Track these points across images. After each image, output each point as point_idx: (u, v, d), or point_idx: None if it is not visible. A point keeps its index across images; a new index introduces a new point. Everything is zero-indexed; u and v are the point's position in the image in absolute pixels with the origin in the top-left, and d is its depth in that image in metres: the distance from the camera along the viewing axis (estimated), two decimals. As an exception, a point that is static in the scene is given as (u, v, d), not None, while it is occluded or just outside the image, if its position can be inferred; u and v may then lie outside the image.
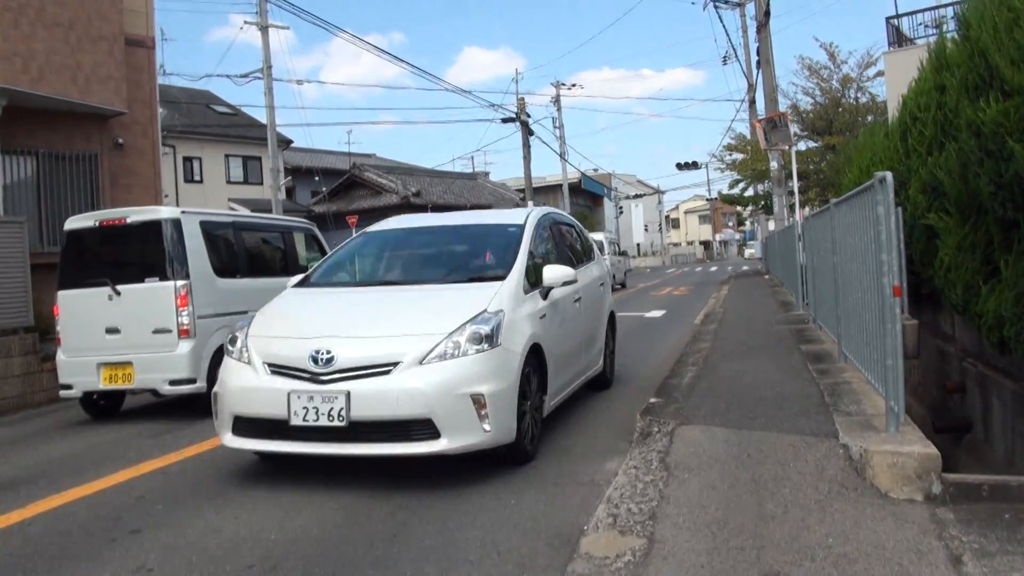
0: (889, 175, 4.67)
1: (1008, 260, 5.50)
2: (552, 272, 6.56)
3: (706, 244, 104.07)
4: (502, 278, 6.11)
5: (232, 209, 35.57)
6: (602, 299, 8.79)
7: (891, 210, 4.67)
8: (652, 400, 6.83)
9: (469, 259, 7.00)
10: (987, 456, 7.04)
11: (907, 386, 5.65)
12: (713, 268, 57.24)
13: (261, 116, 36.57)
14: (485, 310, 5.58)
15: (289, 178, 35.43)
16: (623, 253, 35.66)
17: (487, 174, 57.25)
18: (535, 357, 5.99)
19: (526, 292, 6.21)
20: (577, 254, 8.42)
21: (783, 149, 21.44)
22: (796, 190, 20.87)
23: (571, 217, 9.59)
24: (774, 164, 24.53)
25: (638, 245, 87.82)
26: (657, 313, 18.82)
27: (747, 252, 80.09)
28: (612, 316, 9.20)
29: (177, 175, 34.55)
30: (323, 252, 10.65)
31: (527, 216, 7.27)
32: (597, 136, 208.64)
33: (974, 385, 7.46)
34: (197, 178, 35.53)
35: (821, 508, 4.15)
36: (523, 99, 34.83)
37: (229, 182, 36.40)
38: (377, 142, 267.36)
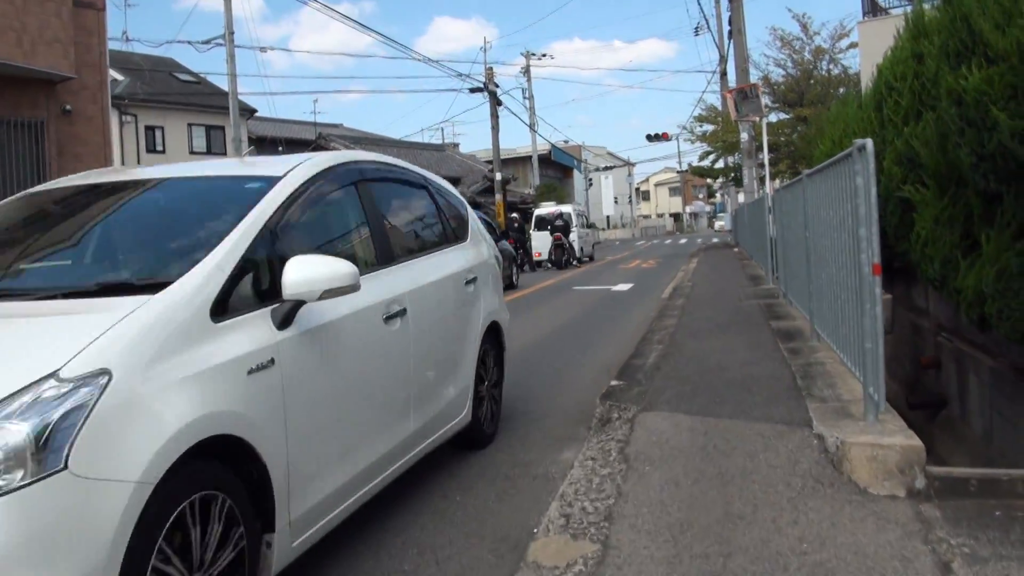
0: (869, 142, 4.29)
1: (989, 234, 5.16)
2: (301, 270, 3.30)
3: (676, 216, 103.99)
4: (159, 288, 2.97)
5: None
6: (470, 306, 5.43)
7: (871, 181, 4.30)
8: (613, 383, 6.46)
9: (140, 246, 3.74)
10: (964, 434, 6.75)
11: (883, 368, 5.32)
12: (683, 240, 57.11)
13: (225, 84, 35.86)
14: (52, 375, 2.43)
15: (252, 148, 34.69)
16: (591, 225, 35.31)
17: (456, 145, 56.63)
18: (230, 478, 2.93)
19: (232, 314, 3.10)
20: (427, 234, 5.36)
21: (754, 120, 21.09)
22: (767, 162, 20.53)
23: (416, 169, 5.57)
24: (744, 136, 24.18)
25: (608, 218, 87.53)
26: (624, 287, 18.48)
27: (717, 224, 79.98)
28: (497, 331, 5.91)
29: (139, 145, 33.76)
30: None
31: (294, 166, 3.99)
32: (568, 107, 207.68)
33: (950, 361, 7.16)
34: (159, 148, 34.72)
35: (794, 507, 3.79)
36: (491, 69, 34.29)
37: (192, 152, 35.61)
38: (345, 113, 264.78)
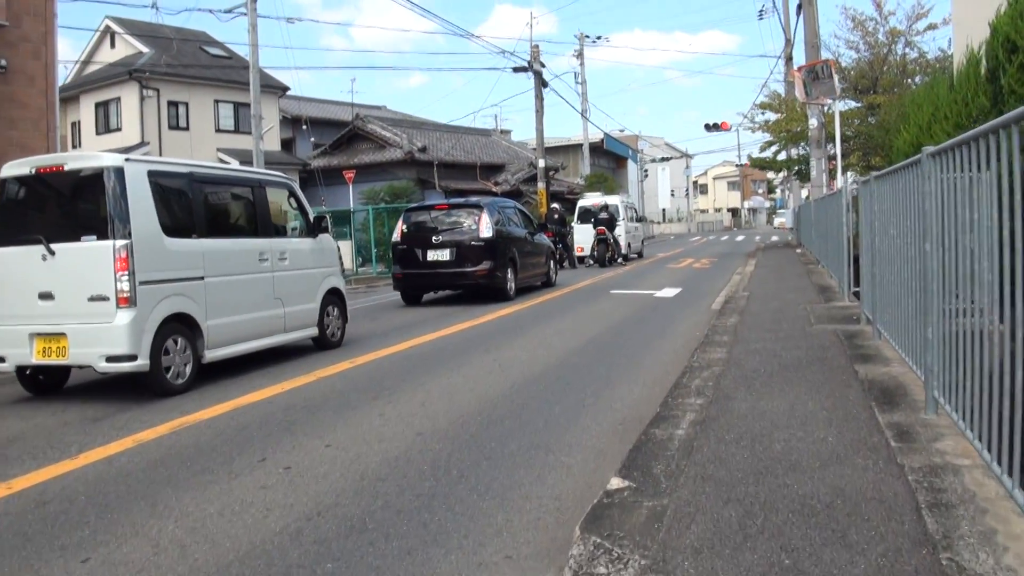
0: None
1: None
2: None
3: (734, 211, 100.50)
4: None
5: (221, 160, 33.05)
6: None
7: None
8: (614, 484, 4.02)
9: None
10: None
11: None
12: (740, 237, 54.13)
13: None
14: None
15: (272, 126, 32.70)
16: (641, 219, 32.65)
17: (509, 132, 54.19)
18: None
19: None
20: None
21: (825, 104, 18.40)
22: (839, 152, 17.85)
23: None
24: (813, 122, 21.41)
25: (663, 211, 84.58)
26: (670, 292, 15.95)
27: (776, 221, 76.65)
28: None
29: (161, 121, 31.89)
30: (303, 211, 10.06)
31: None
32: (624, 96, 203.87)
33: None
34: (183, 125, 32.82)
35: None
36: (537, 47, 31.68)
37: (219, 130, 33.67)
38: (390, 95, 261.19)
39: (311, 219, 10.00)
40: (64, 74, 36.95)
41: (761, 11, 40.61)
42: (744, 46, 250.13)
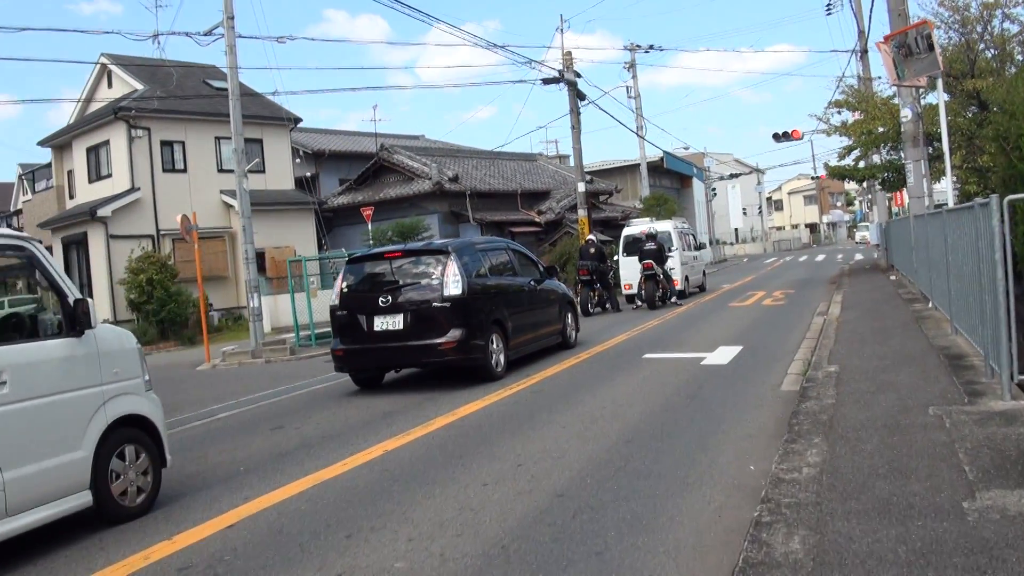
0: None
1: None
2: None
3: (812, 227, 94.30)
4: None
5: (224, 203, 29.51)
6: None
7: None
8: None
9: None
10: None
11: None
12: (820, 256, 48.83)
13: (267, 87, 30.79)
14: None
15: (257, 160, 28.99)
16: (702, 246, 27.91)
17: (567, 157, 49.59)
18: None
19: None
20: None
21: (922, 85, 13.77)
22: (947, 147, 13.17)
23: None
24: (907, 112, 16.59)
25: (736, 231, 79.33)
26: (724, 355, 11.46)
27: (858, 235, 70.81)
28: None
29: (153, 164, 28.42)
30: (57, 291, 5.91)
31: None
32: (686, 113, 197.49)
33: None
34: (179, 167, 29.36)
35: None
36: (570, 54, 27.29)
37: (221, 170, 30.05)
38: (426, 125, 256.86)
39: (71, 303, 5.88)
40: (68, 119, 33.99)
41: (829, 5, 35.32)
42: (812, 56, 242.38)
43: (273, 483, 6.57)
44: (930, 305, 12.90)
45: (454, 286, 10.34)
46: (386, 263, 11.01)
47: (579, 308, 20.43)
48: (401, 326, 10.33)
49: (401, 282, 10.67)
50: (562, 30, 30.85)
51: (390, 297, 10.43)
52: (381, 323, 10.42)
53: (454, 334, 10.24)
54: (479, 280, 10.94)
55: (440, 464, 6.64)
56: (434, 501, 5.61)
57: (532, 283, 12.60)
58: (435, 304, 10.33)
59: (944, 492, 4.34)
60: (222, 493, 6.45)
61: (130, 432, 6.21)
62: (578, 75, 27.56)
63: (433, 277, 10.52)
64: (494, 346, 10.83)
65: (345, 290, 10.90)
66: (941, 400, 6.46)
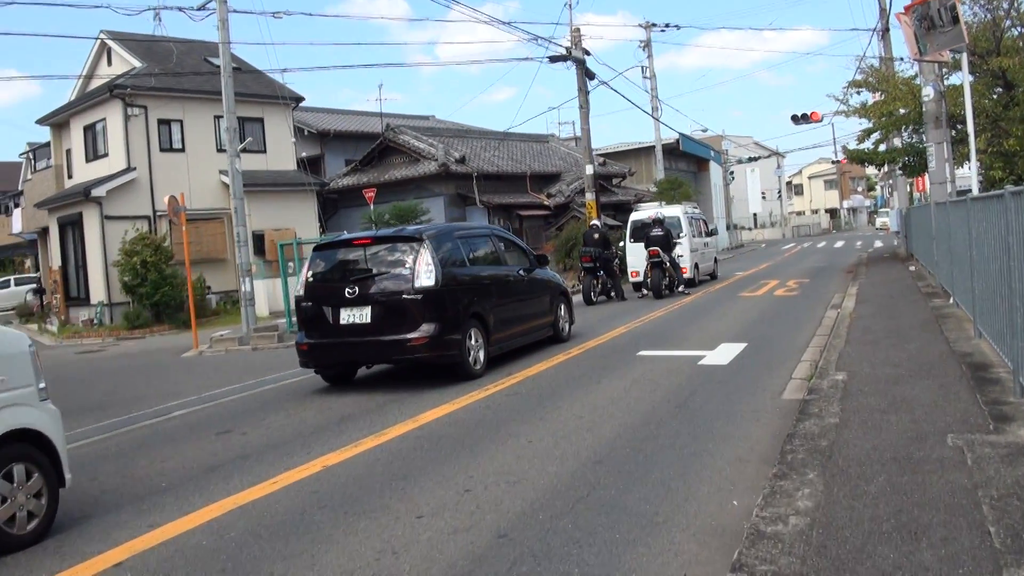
0: None
1: None
2: None
3: (832, 212, 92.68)
4: None
5: (223, 184, 28.67)
6: None
7: None
8: None
9: None
10: None
11: None
12: (839, 243, 47.58)
13: (269, 65, 29.97)
14: None
15: (250, 139, 28.10)
16: (712, 232, 26.82)
17: (579, 139, 48.46)
18: None
19: None
20: None
21: (945, 60, 12.72)
22: (972, 128, 12.14)
23: None
24: (929, 91, 15.53)
25: (755, 215, 78.03)
26: (727, 352, 10.54)
27: (879, 221, 69.32)
28: None
29: (150, 143, 27.61)
30: None
31: None
32: (704, 95, 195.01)
33: None
34: (177, 146, 28.52)
35: None
36: (578, 30, 26.30)
37: (220, 150, 29.11)
38: (442, 106, 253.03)
39: None
40: (69, 96, 33.24)
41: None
42: (833, 36, 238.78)
43: (188, 506, 5.72)
44: (951, 301, 11.91)
45: (426, 277, 9.44)
46: (356, 251, 10.11)
47: (582, 297, 19.56)
48: (368, 319, 9.45)
49: (371, 271, 9.79)
50: (571, 6, 29.75)
51: (357, 288, 9.55)
52: (347, 316, 9.55)
53: (426, 329, 9.35)
54: (457, 270, 10.04)
55: (378, 487, 5.77)
56: (354, 539, 4.75)
57: (520, 272, 11.69)
58: (405, 296, 9.44)
59: (964, 567, 3.41)
60: (129, 517, 5.61)
61: (19, 449, 5.36)
62: (587, 53, 26.50)
63: (405, 266, 9.64)
64: (472, 342, 9.94)
65: (311, 279, 10.03)
66: (962, 426, 5.51)
